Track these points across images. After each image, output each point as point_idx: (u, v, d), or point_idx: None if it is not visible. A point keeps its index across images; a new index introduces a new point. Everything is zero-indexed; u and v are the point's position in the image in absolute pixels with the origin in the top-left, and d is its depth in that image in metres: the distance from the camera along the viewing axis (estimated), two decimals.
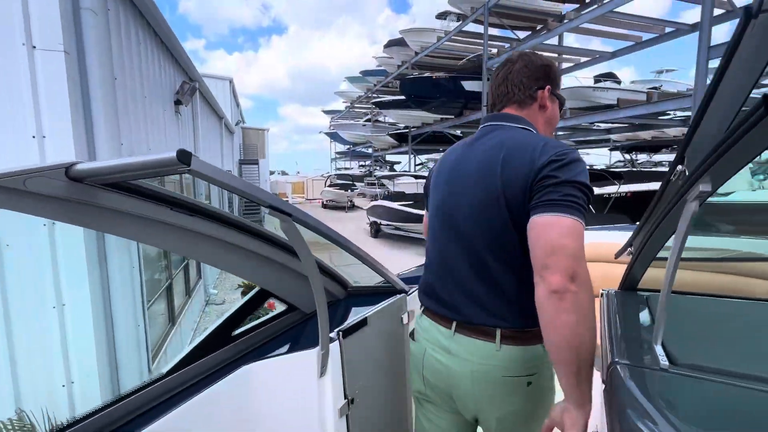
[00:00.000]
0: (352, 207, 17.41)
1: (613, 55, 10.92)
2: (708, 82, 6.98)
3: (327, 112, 34.04)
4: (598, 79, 11.36)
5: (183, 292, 4.58)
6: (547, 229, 0.75)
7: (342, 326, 1.14)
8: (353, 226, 12.14)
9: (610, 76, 11.34)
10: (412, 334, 1.06)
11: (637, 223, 1.23)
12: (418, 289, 1.09)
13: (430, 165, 17.55)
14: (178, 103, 4.37)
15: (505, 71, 0.99)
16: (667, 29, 9.33)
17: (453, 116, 14.00)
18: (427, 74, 13.15)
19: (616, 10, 7.88)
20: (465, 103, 13.24)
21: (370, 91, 20.67)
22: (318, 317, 1.01)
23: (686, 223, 0.68)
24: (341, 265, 1.65)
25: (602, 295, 1.26)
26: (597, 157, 23.37)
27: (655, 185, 7.07)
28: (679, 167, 0.72)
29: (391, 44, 15.39)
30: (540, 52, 1.11)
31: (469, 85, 12.66)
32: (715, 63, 9.53)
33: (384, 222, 9.72)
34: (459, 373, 0.90)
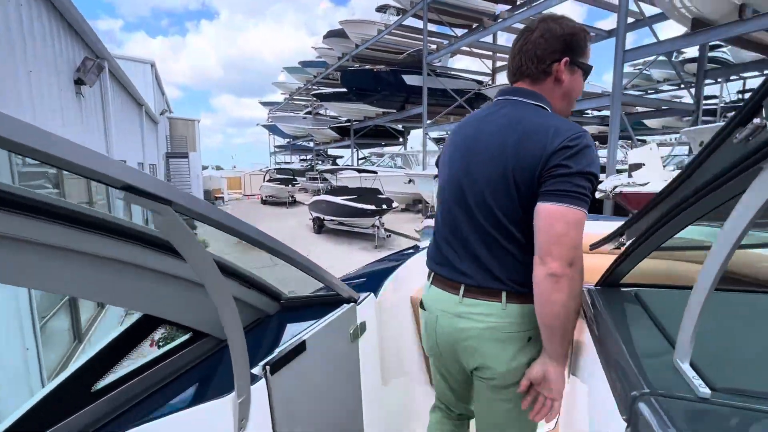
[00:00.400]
0: (294, 202, 16.79)
1: None
2: (623, 83, 7.73)
3: (265, 104, 32.49)
4: None
5: (93, 303, 3.97)
6: (555, 219, 0.82)
7: (269, 357, 0.86)
8: (295, 222, 11.68)
9: None
10: (421, 304, 1.12)
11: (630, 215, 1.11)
12: (427, 257, 1.11)
13: (374, 159, 17.49)
14: (79, 82, 3.74)
15: (522, 41, 0.97)
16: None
17: (395, 110, 14.02)
18: (368, 67, 12.98)
19: (545, 12, 8.31)
20: (406, 98, 13.30)
21: (310, 82, 20.06)
22: (230, 350, 0.72)
23: (764, 198, 0.49)
24: (285, 271, 1.37)
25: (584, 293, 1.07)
26: None
27: None
28: (756, 120, 0.51)
29: (331, 35, 14.99)
30: (568, 19, 0.96)
31: (410, 80, 12.72)
32: (628, 67, 10.51)
33: (327, 217, 9.43)
34: (468, 332, 0.98)
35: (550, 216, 0.83)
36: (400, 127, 18.65)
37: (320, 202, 9.39)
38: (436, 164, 1.20)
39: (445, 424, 1.23)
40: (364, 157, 19.22)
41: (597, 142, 15.70)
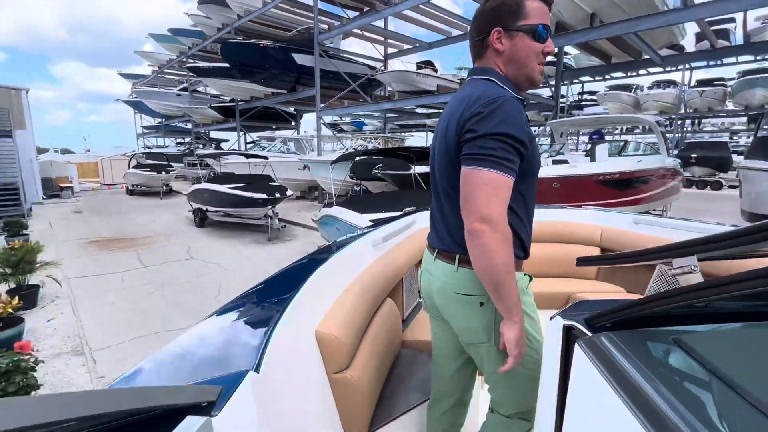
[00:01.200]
0: (170, 192, 14.64)
1: (430, 45, 12.07)
2: None
3: (126, 76, 27.49)
4: (419, 65, 12.42)
5: None
6: (464, 182, 0.93)
7: None
8: (171, 216, 10.13)
9: (429, 64, 12.55)
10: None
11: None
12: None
13: (264, 143, 16.24)
14: None
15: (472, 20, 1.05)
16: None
17: (285, 91, 13.11)
18: (254, 41, 11.78)
19: (433, 2, 8.55)
20: (297, 78, 12.52)
21: (185, 54, 17.47)
22: None
23: None
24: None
25: (573, 338, 0.70)
26: (418, 140, 26.34)
27: None
28: None
29: (209, 1, 13.16)
30: None
31: (301, 59, 11.96)
32: None
33: (211, 208, 8.35)
34: (432, 289, 1.12)
35: (462, 179, 0.93)
36: (292, 109, 17.64)
37: (201, 191, 8.24)
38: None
39: (443, 419, 1.29)
40: (253, 141, 17.74)
41: None
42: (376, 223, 2.27)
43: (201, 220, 8.59)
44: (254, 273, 5.32)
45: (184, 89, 19.78)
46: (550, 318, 0.82)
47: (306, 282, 1.28)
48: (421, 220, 2.50)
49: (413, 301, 2.18)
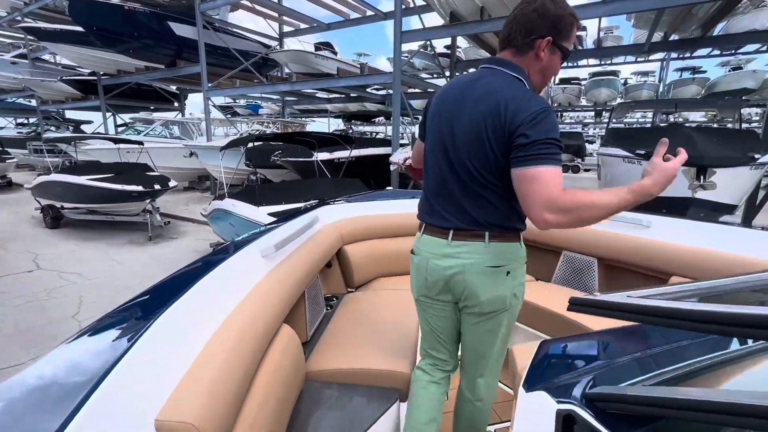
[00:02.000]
0: (9, 186, 11.72)
1: (329, 26, 11.60)
2: (401, 62, 8.49)
3: None
4: (318, 47, 11.85)
5: None
6: (526, 179, 1.01)
7: None
8: (9, 216, 8.07)
9: (328, 46, 12.06)
10: (412, 251, 1.32)
11: None
12: (418, 211, 1.30)
13: (138, 126, 13.97)
14: None
15: (519, 11, 1.08)
16: (368, 12, 10.63)
17: (163, 66, 11.35)
18: (116, 1, 9.82)
19: None
20: (177, 52, 10.91)
21: (20, 11, 13.84)
22: None
23: None
24: None
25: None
26: (319, 125, 25.69)
27: (379, 150, 8.10)
28: None
29: None
30: (563, 2, 1.07)
31: (180, 29, 10.41)
32: (409, 45, 11.75)
33: (69, 205, 6.83)
34: (455, 268, 1.18)
35: (519, 179, 1.01)
36: (174, 88, 15.44)
37: (52, 184, 6.67)
38: (420, 124, 1.33)
39: (429, 385, 1.34)
40: (125, 124, 15.15)
41: (383, 118, 17.48)
42: (279, 219, 1.96)
43: (54, 219, 6.98)
44: (131, 282, 4.47)
45: (22, 56, 15.85)
46: (525, 388, 0.60)
47: (158, 318, 0.90)
48: (326, 216, 2.23)
49: (319, 313, 1.88)
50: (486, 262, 1.14)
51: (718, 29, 9.00)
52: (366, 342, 1.56)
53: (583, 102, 22.80)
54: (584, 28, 16.52)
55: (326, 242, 1.94)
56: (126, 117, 16.12)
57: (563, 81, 23.33)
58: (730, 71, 17.92)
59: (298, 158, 7.16)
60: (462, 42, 13.53)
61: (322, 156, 6.72)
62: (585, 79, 22.18)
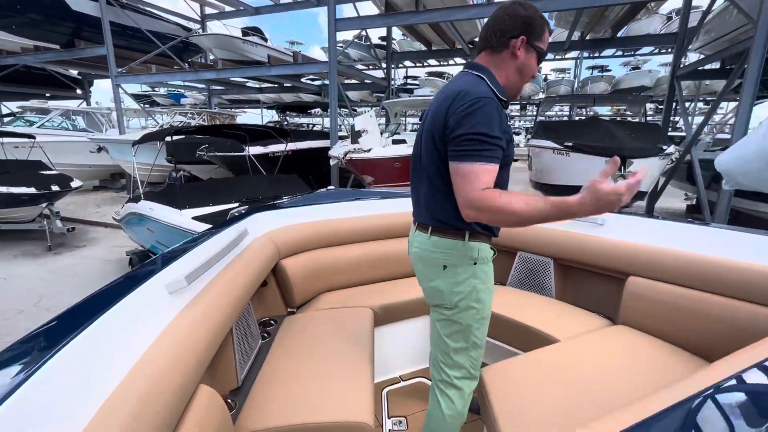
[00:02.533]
0: None
1: (257, 10, 10.81)
2: (336, 50, 8.12)
3: None
4: (246, 32, 10.99)
5: None
6: (454, 174, 1.07)
7: None
8: None
9: (257, 31, 11.23)
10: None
11: None
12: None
13: (30, 117, 11.97)
14: None
15: (492, 16, 1.15)
16: None
17: (58, 46, 9.76)
18: None
19: None
20: (76, 30, 9.44)
21: None
22: None
23: None
24: None
25: None
26: (251, 117, 24.25)
27: (317, 143, 7.70)
28: None
29: None
30: (533, 6, 1.12)
31: (78, 4, 8.99)
32: (344, 35, 11.37)
33: None
34: (412, 256, 1.32)
35: (450, 172, 1.08)
36: (75, 73, 13.43)
37: None
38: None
39: None
40: (12, 114, 12.92)
41: (320, 110, 16.85)
42: (200, 235, 1.63)
43: None
44: (23, 303, 3.72)
45: None
46: None
47: (25, 383, 0.64)
48: (257, 226, 1.85)
49: (253, 347, 1.52)
50: (425, 252, 1.23)
51: (622, 32, 9.93)
52: (313, 380, 1.29)
53: None
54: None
55: (259, 259, 1.61)
56: (13, 106, 13.74)
57: None
58: (630, 70, 20.08)
59: (227, 153, 6.56)
60: (396, 34, 13.49)
61: (254, 150, 6.21)
62: None
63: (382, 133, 6.48)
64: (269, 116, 21.91)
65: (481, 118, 1.00)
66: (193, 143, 7.24)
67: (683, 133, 8.43)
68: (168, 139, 4.50)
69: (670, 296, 1.48)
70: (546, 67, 24.26)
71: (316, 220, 2.06)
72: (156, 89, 21.29)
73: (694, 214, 7.68)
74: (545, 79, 23.16)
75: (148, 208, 3.68)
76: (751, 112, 5.50)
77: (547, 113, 24.10)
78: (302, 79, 12.24)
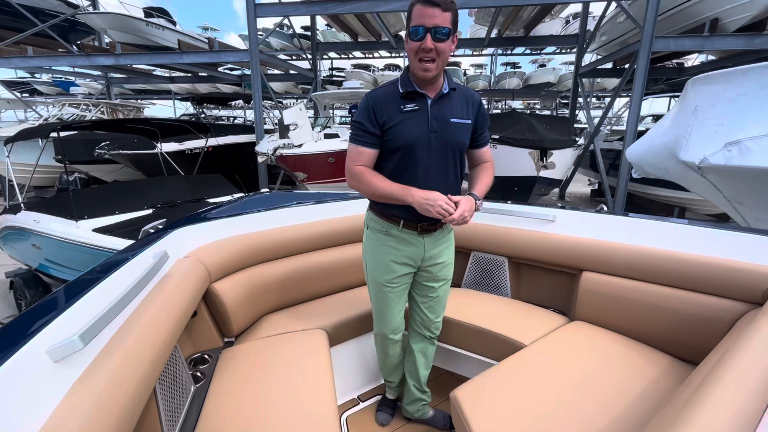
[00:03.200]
0: None
1: None
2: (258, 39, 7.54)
3: None
4: (149, 12, 9.71)
5: None
6: None
7: None
8: None
9: (162, 12, 9.98)
10: None
11: None
12: None
13: None
14: None
15: None
16: None
17: None
18: None
19: None
20: None
21: None
22: None
23: None
24: None
25: None
26: (162, 109, 21.88)
27: (241, 138, 7.08)
28: None
29: None
30: None
31: None
32: (264, 22, 10.59)
33: None
34: None
35: None
36: None
37: None
38: None
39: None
40: None
41: (241, 101, 15.69)
42: (123, 250, 1.31)
43: None
44: None
45: None
46: None
47: None
48: (179, 245, 1.51)
49: (183, 399, 1.23)
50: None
51: (533, 32, 10.74)
52: (265, 424, 1.06)
53: None
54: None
55: (185, 287, 1.30)
56: None
57: None
58: (538, 68, 21.96)
59: (136, 150, 5.74)
60: (321, 23, 13.05)
61: (168, 147, 5.52)
62: None
63: (313, 127, 6.18)
64: (183, 108, 19.90)
65: (359, 109, 1.29)
66: (91, 140, 6.23)
67: (584, 125, 9.41)
68: (55, 135, 3.75)
69: (623, 290, 1.55)
70: (465, 62, 25.53)
71: (252, 231, 1.75)
72: (37, 75, 18.16)
73: (597, 197, 8.64)
74: (465, 74, 24.32)
75: (31, 220, 3.03)
76: (641, 106, 6.28)
77: None
78: (220, 69, 11.28)
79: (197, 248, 1.56)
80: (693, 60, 12.14)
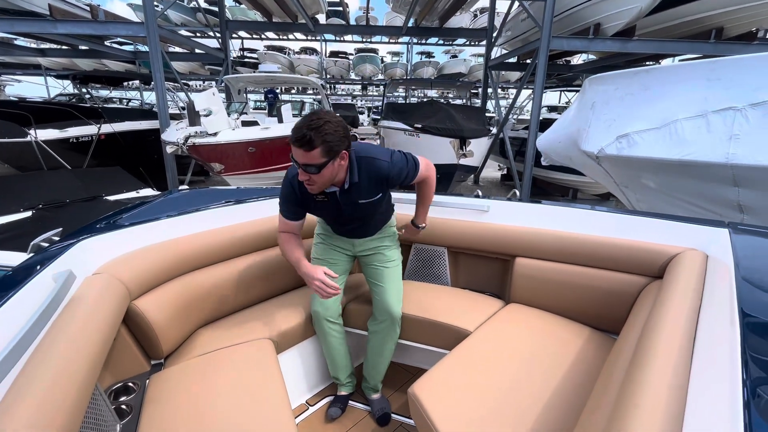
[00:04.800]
0: None
1: None
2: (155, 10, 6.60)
3: None
4: None
5: None
6: None
7: None
8: None
9: None
10: None
11: None
12: None
13: None
14: None
15: None
16: None
17: None
18: None
19: None
20: None
21: None
22: None
23: None
24: None
25: None
26: (31, 88, 18.28)
27: (141, 124, 6.19)
28: None
29: None
30: None
31: None
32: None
33: None
34: None
35: None
36: None
37: None
38: None
39: None
40: None
41: (138, 81, 13.72)
42: (4, 276, 1.03)
43: None
44: None
45: None
46: None
47: None
48: (87, 260, 1.25)
49: None
50: None
51: (447, 24, 11.19)
52: None
53: (352, 76, 24.78)
54: (346, 5, 17.61)
55: (102, 313, 1.08)
56: None
57: (333, 54, 24.55)
58: (450, 58, 23.04)
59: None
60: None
61: (45, 134, 4.63)
62: (352, 54, 24.06)
63: (228, 114, 5.69)
64: (59, 87, 16.78)
65: (282, 188, 1.52)
66: None
67: (493, 115, 10.20)
68: None
69: (551, 272, 1.72)
70: (382, 49, 25.64)
71: (174, 238, 1.53)
72: None
73: (506, 181, 9.50)
74: (383, 61, 24.51)
75: None
76: (542, 98, 6.99)
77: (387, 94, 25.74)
78: (107, 42, 9.73)
79: (109, 262, 1.32)
80: (578, 59, 13.83)
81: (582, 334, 1.53)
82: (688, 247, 1.44)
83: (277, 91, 10.57)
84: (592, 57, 10.65)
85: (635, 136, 2.32)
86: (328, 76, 23.88)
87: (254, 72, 8.48)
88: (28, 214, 2.76)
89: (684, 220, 1.52)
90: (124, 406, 1.17)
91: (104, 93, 15.27)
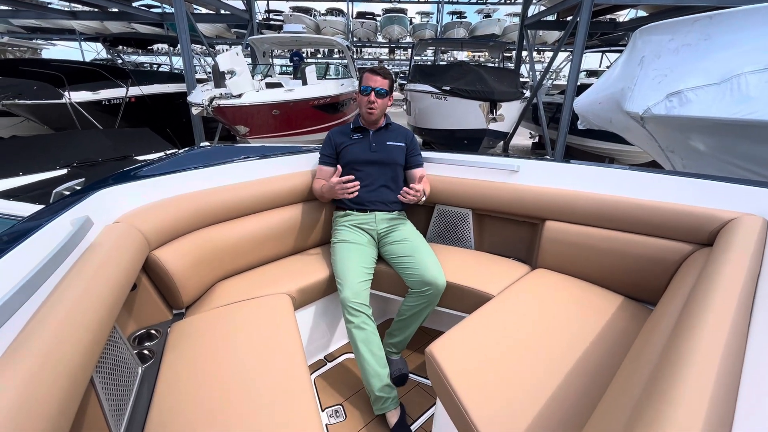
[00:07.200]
0: None
1: None
2: None
3: None
4: None
5: None
6: None
7: None
8: None
9: None
10: None
11: None
12: None
13: None
14: None
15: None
16: None
17: None
18: None
19: None
20: None
21: None
22: None
23: None
24: None
25: None
26: (66, 51, 18.75)
27: (169, 87, 6.25)
28: None
29: None
30: None
31: None
32: None
33: None
34: None
35: None
36: None
37: None
38: None
39: None
40: None
41: (166, 45, 13.75)
42: (29, 217, 1.06)
43: None
44: None
45: None
46: None
47: None
48: (106, 209, 1.27)
49: (130, 386, 1.08)
50: None
51: None
52: (230, 405, 0.94)
53: (380, 38, 23.90)
54: None
55: (119, 259, 1.09)
56: None
57: (360, 15, 23.64)
58: (483, 18, 21.71)
59: (35, 100, 4.86)
60: None
61: (78, 96, 4.74)
62: (379, 15, 23.08)
63: (252, 75, 5.62)
64: (93, 52, 17.13)
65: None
66: None
67: (527, 80, 9.62)
68: None
69: (583, 237, 1.60)
70: (411, 10, 24.45)
71: (196, 191, 1.52)
72: None
73: (537, 150, 9.07)
74: (411, 22, 23.44)
75: None
76: (581, 60, 6.48)
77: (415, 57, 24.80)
78: (135, 4, 9.71)
79: (129, 212, 1.34)
80: (624, 16, 12.66)
81: (614, 302, 1.44)
82: (745, 212, 1.29)
83: (303, 54, 10.33)
84: (642, 13, 9.71)
85: (689, 93, 2.08)
86: (355, 39, 23.14)
87: (279, 33, 8.28)
88: (64, 171, 2.85)
89: (739, 182, 1.36)
90: (146, 351, 1.22)
91: (135, 58, 15.47)
